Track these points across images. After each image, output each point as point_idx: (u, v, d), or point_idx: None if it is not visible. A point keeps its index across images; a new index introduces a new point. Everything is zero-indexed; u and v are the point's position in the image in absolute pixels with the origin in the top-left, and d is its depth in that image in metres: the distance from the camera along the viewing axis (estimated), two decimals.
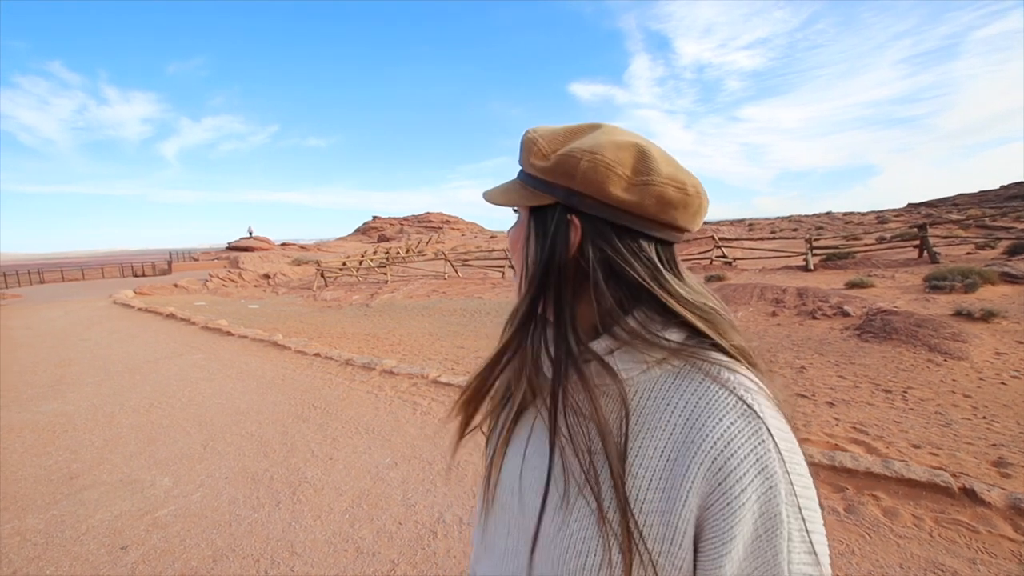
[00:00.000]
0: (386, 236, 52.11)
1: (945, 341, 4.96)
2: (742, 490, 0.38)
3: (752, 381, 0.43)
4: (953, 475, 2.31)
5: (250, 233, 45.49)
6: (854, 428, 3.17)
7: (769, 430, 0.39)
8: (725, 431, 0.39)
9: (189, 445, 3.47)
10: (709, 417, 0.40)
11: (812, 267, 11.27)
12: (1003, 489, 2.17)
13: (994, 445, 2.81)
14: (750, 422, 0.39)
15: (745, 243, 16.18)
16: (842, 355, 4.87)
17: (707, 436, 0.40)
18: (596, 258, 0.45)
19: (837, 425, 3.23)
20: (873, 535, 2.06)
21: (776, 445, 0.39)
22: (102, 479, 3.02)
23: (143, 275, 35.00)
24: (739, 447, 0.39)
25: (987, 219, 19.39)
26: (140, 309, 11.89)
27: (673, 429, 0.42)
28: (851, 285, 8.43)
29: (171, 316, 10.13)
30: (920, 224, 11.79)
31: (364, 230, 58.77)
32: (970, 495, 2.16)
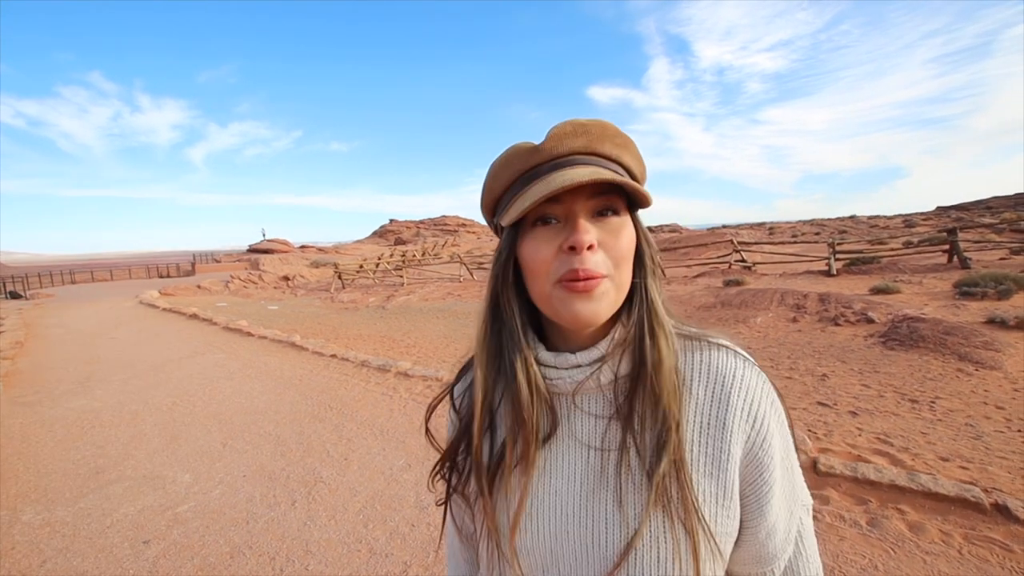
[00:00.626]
0: (402, 239, 52.68)
1: (976, 350, 4.77)
2: (769, 423, 0.49)
3: (729, 341, 0.52)
4: (984, 490, 2.21)
5: (263, 235, 46.38)
6: (878, 439, 3.07)
7: (763, 373, 0.50)
8: (745, 381, 0.49)
9: (209, 443, 3.55)
10: (729, 374, 0.49)
11: (835, 272, 10.99)
12: None
13: None
14: (754, 370, 0.50)
15: (765, 247, 15.87)
16: (866, 363, 4.73)
17: (735, 389, 0.48)
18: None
19: (860, 435, 3.14)
20: (898, 550, 1.99)
21: (772, 384, 0.50)
22: (127, 474, 3.11)
23: (168, 276, 36.13)
24: (758, 391, 0.49)
25: (1023, 223, 18.63)
26: (164, 309, 12.25)
27: (700, 397, 0.49)
28: (876, 291, 8.19)
29: (194, 316, 10.41)
30: (950, 228, 11.38)
31: (381, 233, 59.55)
32: (1003, 512, 2.07)
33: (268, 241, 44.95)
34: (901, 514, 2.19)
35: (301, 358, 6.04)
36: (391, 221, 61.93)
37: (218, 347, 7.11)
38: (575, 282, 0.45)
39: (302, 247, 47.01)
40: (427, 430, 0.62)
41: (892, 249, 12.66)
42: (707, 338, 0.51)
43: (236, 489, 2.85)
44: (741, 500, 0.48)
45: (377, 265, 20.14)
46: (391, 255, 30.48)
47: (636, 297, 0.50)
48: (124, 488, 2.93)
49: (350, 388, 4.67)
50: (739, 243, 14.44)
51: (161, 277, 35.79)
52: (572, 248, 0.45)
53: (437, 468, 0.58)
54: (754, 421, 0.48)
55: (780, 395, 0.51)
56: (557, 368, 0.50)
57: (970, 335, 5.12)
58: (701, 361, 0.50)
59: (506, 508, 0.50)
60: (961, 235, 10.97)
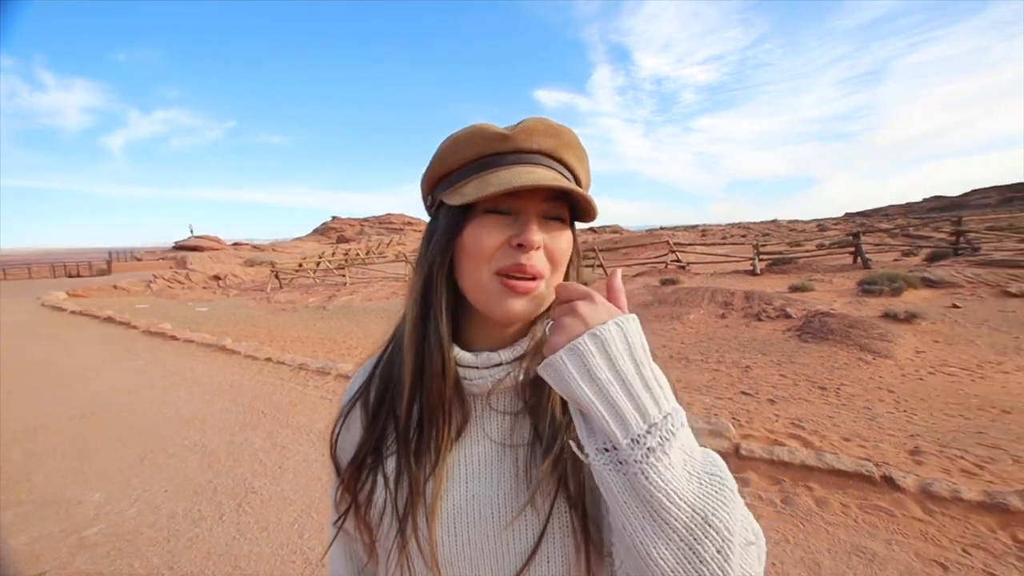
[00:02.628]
0: (345, 237, 50.78)
1: (874, 341, 5.37)
2: None
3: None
4: (876, 464, 2.50)
5: (191, 231, 42.83)
6: (792, 423, 3.38)
7: None
8: None
9: (125, 458, 3.25)
10: None
11: (759, 271, 11.89)
12: (916, 476, 2.38)
13: (911, 435, 3.07)
14: None
15: (698, 248, 16.87)
16: (783, 355, 5.17)
17: None
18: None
19: (777, 421, 3.43)
20: (806, 524, 2.20)
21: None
22: (21, 499, 2.78)
23: (78, 276, 32.35)
24: None
25: (911, 228, 21.11)
26: (74, 312, 11.03)
27: None
28: (794, 289, 8.96)
29: (109, 320, 9.46)
30: (855, 232, 12.69)
31: (322, 231, 57.05)
32: (889, 482, 2.35)
33: (197, 238, 41.57)
34: (809, 491, 2.42)
35: (232, 363, 5.66)
36: (333, 218, 59.45)
37: (138, 353, 6.51)
38: (517, 280, 0.45)
39: (235, 244, 43.98)
40: (333, 453, 0.56)
41: (808, 251, 13.88)
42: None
43: (156, 506, 2.64)
44: None
45: (318, 264, 19.28)
46: (333, 254, 29.26)
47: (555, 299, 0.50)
48: (17, 515, 2.62)
49: (286, 393, 4.45)
50: (675, 244, 15.27)
51: (70, 277, 31.93)
52: (521, 245, 0.45)
53: (346, 476, 0.53)
54: None
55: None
56: (478, 368, 0.49)
57: (869, 328, 5.75)
58: None
59: (423, 500, 0.48)
60: (864, 239, 12.25)
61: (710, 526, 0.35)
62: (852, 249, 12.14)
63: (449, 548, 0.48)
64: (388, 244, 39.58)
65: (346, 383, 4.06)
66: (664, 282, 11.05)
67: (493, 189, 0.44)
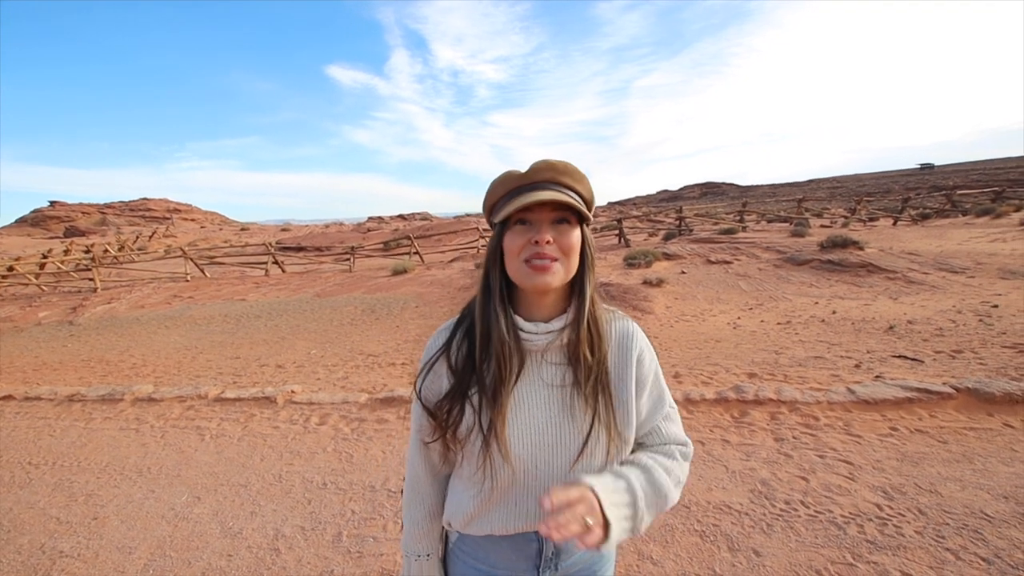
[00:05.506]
0: (79, 228, 38.14)
1: (641, 302, 7.12)
2: (647, 357, 0.83)
3: (627, 315, 0.86)
4: None
5: None
6: None
7: (641, 330, 0.85)
8: (637, 336, 0.82)
9: None
10: (628, 333, 0.82)
11: None
12: (680, 390, 3.47)
13: (673, 366, 4.37)
14: (639, 329, 0.84)
15: None
16: None
17: (632, 341, 0.82)
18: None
19: None
20: None
21: (646, 337, 0.85)
22: None
23: None
24: (642, 340, 0.83)
25: (652, 215, 27.57)
26: None
27: (614, 347, 0.81)
28: None
29: None
30: (618, 219, 16.04)
31: (37, 220, 41.47)
32: None
33: None
34: None
35: None
36: (53, 204, 43.34)
37: None
38: (536, 261, 0.71)
39: None
40: (419, 394, 0.82)
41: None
42: (615, 311, 0.84)
43: None
44: (636, 394, 0.81)
45: (43, 266, 14.20)
46: (66, 251, 21.83)
47: (577, 288, 0.77)
48: None
49: (61, 433, 3.48)
50: (483, 231, 16.56)
51: None
52: (536, 242, 0.71)
53: (443, 406, 0.78)
54: (640, 356, 0.81)
55: (650, 340, 0.86)
56: (536, 333, 0.76)
57: (636, 292, 7.57)
58: (614, 326, 0.81)
59: (500, 419, 0.74)
60: (625, 224, 15.57)
61: (668, 496, 0.77)
62: (617, 232, 15.31)
63: (517, 447, 0.75)
64: (151, 236, 31.41)
65: (152, 407, 3.50)
66: (478, 265, 11.99)
67: (513, 208, 0.71)
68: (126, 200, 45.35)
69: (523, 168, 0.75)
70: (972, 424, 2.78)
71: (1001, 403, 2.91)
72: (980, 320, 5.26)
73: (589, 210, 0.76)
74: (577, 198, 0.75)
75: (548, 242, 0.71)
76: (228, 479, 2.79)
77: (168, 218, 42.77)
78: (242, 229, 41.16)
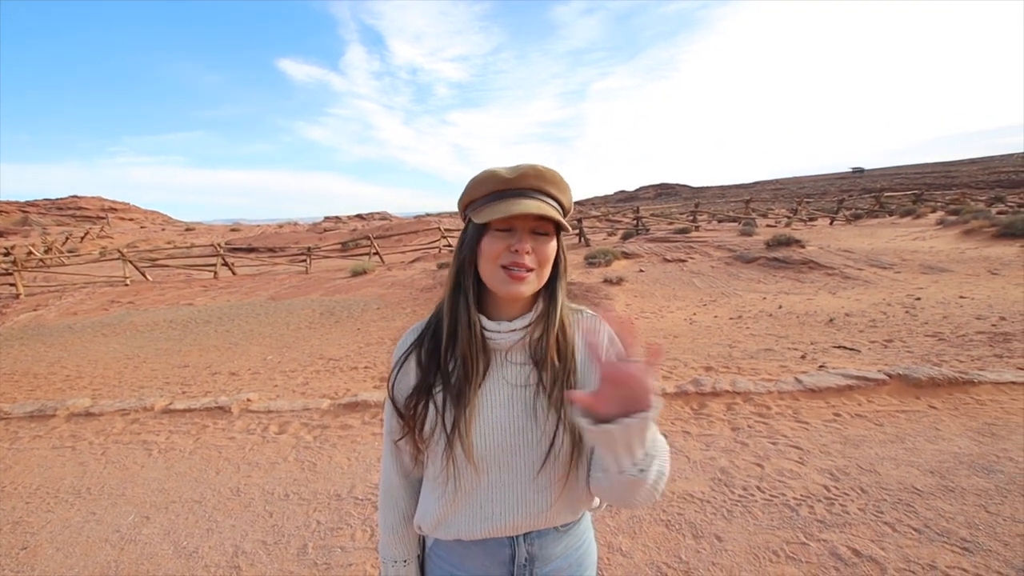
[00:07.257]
0: None
1: (602, 300, 7.29)
2: (609, 339, 0.79)
3: (589, 309, 0.85)
4: None
5: None
6: None
7: (605, 323, 0.82)
8: (601, 331, 0.80)
9: None
10: (592, 329, 0.81)
11: None
12: None
13: None
14: (602, 323, 0.81)
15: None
16: None
17: (597, 336, 0.80)
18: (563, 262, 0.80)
19: None
20: None
21: (608, 328, 0.82)
22: None
23: None
24: (606, 334, 0.80)
25: (611, 215, 28.27)
26: None
27: (579, 344, 0.80)
28: None
29: None
30: (578, 219, 16.32)
31: None
32: None
33: None
34: None
35: None
36: None
37: None
38: (514, 270, 0.71)
39: None
40: (391, 393, 0.81)
41: None
42: (581, 310, 0.83)
43: None
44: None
45: None
46: None
47: (550, 289, 0.77)
48: None
49: None
50: (445, 231, 16.41)
51: None
52: (516, 251, 0.70)
53: (409, 405, 0.77)
54: (605, 350, 0.79)
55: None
56: (500, 332, 0.75)
57: (598, 291, 7.74)
58: (579, 324, 0.80)
59: (463, 418, 0.74)
60: (584, 224, 15.87)
61: (663, 475, 0.68)
62: (578, 232, 15.57)
63: (480, 448, 0.75)
64: (84, 237, 28.92)
65: (91, 422, 3.28)
66: (441, 266, 11.88)
67: (500, 215, 0.69)
68: (52, 198, 41.33)
69: (501, 166, 0.74)
70: (903, 407, 3.04)
71: (926, 387, 3.19)
72: (906, 312, 5.76)
73: (562, 221, 0.75)
74: (559, 208, 0.75)
75: (528, 252, 0.71)
76: (180, 495, 2.63)
77: (103, 217, 39.39)
78: (187, 229, 38.66)
